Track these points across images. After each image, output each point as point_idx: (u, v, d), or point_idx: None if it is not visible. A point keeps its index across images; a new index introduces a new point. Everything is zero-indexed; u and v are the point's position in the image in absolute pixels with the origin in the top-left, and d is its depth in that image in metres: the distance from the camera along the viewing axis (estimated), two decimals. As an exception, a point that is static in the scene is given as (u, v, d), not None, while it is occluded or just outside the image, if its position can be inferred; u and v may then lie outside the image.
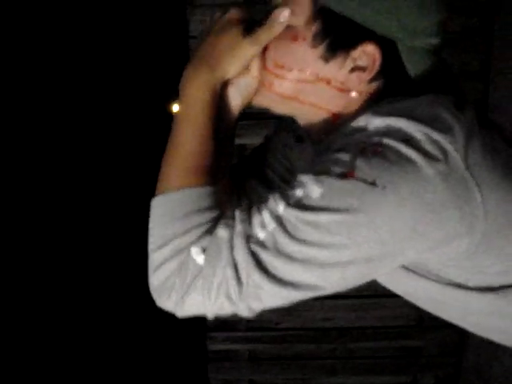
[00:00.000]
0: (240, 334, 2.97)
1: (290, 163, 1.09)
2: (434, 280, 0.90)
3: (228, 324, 2.95)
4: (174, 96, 0.93)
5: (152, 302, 0.84)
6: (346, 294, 2.78)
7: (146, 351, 3.16)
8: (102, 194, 4.10)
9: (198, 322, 2.95)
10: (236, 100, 0.89)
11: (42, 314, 3.50)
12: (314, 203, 0.74)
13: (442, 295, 0.93)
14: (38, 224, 3.96)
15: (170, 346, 3.50)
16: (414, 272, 0.90)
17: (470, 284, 0.89)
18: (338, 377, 3.04)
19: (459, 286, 0.89)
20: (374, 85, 0.87)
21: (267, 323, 2.95)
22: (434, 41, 0.86)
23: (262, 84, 0.89)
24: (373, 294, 2.82)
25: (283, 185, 0.83)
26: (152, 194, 0.85)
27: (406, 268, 0.90)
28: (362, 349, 2.99)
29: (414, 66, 0.84)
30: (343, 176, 0.74)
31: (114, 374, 3.21)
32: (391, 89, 0.86)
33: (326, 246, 0.75)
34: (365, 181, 0.73)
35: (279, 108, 0.93)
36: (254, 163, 1.12)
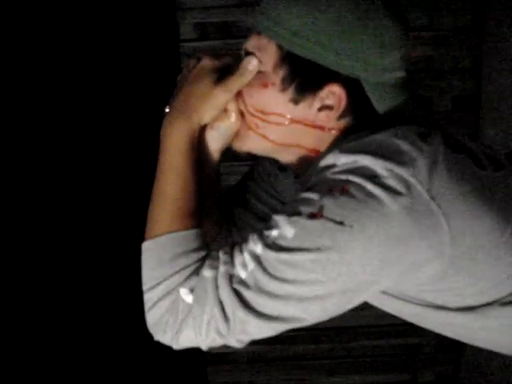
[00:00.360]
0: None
1: (276, 192, 1.14)
2: (415, 303, 0.94)
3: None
4: (165, 99, 0.96)
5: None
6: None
7: (144, 352, 3.15)
8: (100, 194, 4.10)
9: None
10: (216, 143, 0.95)
11: (41, 317, 3.49)
12: (288, 244, 0.79)
13: (425, 316, 0.99)
14: (37, 224, 3.95)
15: (168, 348, 3.50)
16: (394, 296, 0.95)
17: (450, 305, 0.92)
18: (337, 376, 3.05)
19: (440, 307, 0.93)
20: (344, 121, 0.91)
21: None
22: (399, 74, 0.89)
23: (245, 128, 0.94)
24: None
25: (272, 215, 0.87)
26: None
27: (386, 293, 0.94)
28: (360, 347, 3.00)
29: (380, 102, 0.88)
30: (313, 216, 0.79)
31: (112, 375, 3.21)
32: (360, 125, 0.89)
33: (303, 283, 0.80)
34: (333, 220, 0.78)
35: (260, 149, 0.98)
36: (242, 192, 1.18)
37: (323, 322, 2.65)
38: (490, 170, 0.90)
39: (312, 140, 0.93)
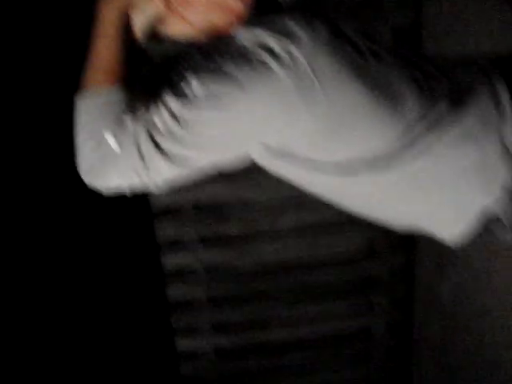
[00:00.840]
0: (197, 278, 3.02)
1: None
2: (298, 166, 1.07)
3: (185, 270, 2.99)
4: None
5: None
6: (297, 226, 2.85)
7: (107, 298, 3.17)
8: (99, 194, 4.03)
9: (157, 268, 2.99)
10: (141, 21, 1.04)
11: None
12: (194, 101, 0.94)
13: (311, 180, 1.13)
14: (37, 224, 3.88)
15: (131, 294, 3.52)
16: (280, 156, 1.06)
17: (324, 161, 1.06)
18: (295, 308, 3.13)
19: (317, 168, 1.06)
20: (250, 9, 1.04)
21: (222, 264, 3.01)
22: None
23: (169, 13, 1.03)
24: (323, 222, 2.85)
25: None
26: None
27: (272, 151, 1.05)
28: (315, 278, 3.06)
29: None
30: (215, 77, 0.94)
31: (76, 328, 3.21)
32: (263, 10, 1.03)
33: (200, 133, 0.96)
34: (231, 81, 0.93)
35: (182, 33, 1.06)
36: None
37: (276, 255, 2.66)
38: (368, 59, 1.03)
39: (223, 22, 1.03)
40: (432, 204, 1.13)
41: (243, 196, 2.84)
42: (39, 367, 3.22)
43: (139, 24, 1.04)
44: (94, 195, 1.08)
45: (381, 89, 1.02)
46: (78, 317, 3.34)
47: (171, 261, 2.96)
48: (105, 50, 0.99)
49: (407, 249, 2.99)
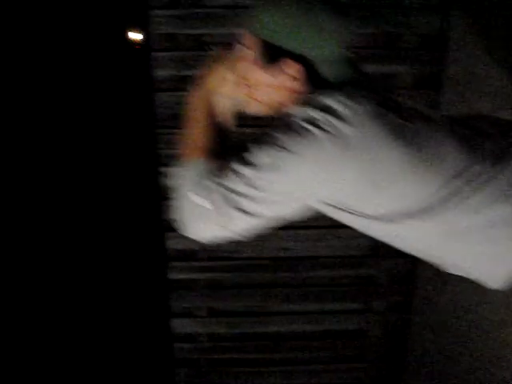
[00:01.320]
0: (200, 263, 3.04)
1: None
2: (349, 212, 1.24)
3: (188, 254, 3.01)
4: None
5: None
6: (303, 224, 2.87)
7: (106, 282, 3.20)
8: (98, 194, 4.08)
9: (160, 252, 3.02)
10: (223, 104, 1.31)
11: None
12: (256, 164, 1.17)
13: (363, 225, 1.28)
14: (36, 224, 3.91)
15: (131, 278, 3.56)
16: (335, 207, 1.24)
17: (369, 213, 1.23)
18: (293, 304, 3.15)
19: (362, 215, 1.24)
20: (306, 86, 1.23)
21: (226, 253, 3.03)
22: (340, 53, 1.20)
23: (245, 96, 1.29)
24: (328, 224, 2.84)
25: None
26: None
27: (327, 203, 1.23)
28: (316, 277, 3.09)
29: (329, 72, 1.21)
30: (272, 145, 1.16)
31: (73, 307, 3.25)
32: (316, 87, 1.22)
33: (265, 191, 1.17)
34: (284, 148, 1.14)
35: (259, 111, 1.32)
36: None
37: (280, 252, 2.74)
38: (412, 122, 1.19)
39: (286, 100, 1.26)
40: (471, 251, 1.26)
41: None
42: (40, 356, 3.26)
43: (223, 107, 1.31)
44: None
45: (422, 149, 1.17)
46: (78, 298, 3.38)
47: (174, 245, 2.98)
48: (195, 130, 1.27)
49: (409, 255, 2.98)
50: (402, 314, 3.17)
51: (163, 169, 2.75)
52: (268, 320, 3.20)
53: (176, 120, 2.81)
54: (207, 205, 1.18)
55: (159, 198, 2.85)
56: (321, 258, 3.04)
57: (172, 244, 2.99)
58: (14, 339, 3.26)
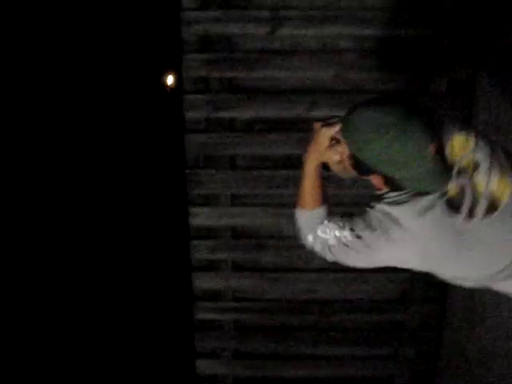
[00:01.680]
0: (226, 304, 3.04)
1: None
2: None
3: (214, 294, 3.01)
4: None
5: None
6: (331, 267, 2.86)
7: (133, 320, 3.21)
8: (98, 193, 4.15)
9: (186, 291, 3.02)
10: (332, 165, 1.61)
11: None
12: (356, 233, 1.53)
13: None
14: (36, 223, 3.98)
15: (157, 316, 3.55)
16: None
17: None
18: (320, 348, 3.12)
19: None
20: (387, 189, 1.51)
21: (253, 294, 3.02)
22: (425, 169, 1.40)
23: (345, 166, 1.56)
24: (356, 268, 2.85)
25: None
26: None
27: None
28: (344, 321, 3.07)
29: (409, 186, 1.45)
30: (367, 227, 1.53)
31: (99, 346, 3.25)
32: (394, 190, 1.50)
33: (359, 252, 1.53)
34: (375, 230, 1.49)
35: (348, 177, 1.62)
36: None
37: (308, 295, 2.77)
38: (464, 219, 1.44)
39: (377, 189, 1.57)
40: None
41: (281, 227, 2.88)
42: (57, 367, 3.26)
43: (332, 166, 1.61)
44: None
45: (472, 249, 1.46)
46: (108, 337, 3.39)
47: (202, 283, 2.99)
48: (308, 186, 1.62)
49: (438, 301, 2.95)
50: (430, 362, 3.11)
51: (192, 209, 2.77)
52: (294, 364, 3.17)
53: (205, 161, 2.90)
54: (316, 244, 1.60)
55: (187, 237, 2.87)
56: (349, 301, 3.02)
57: (199, 284, 3.00)
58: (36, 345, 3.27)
